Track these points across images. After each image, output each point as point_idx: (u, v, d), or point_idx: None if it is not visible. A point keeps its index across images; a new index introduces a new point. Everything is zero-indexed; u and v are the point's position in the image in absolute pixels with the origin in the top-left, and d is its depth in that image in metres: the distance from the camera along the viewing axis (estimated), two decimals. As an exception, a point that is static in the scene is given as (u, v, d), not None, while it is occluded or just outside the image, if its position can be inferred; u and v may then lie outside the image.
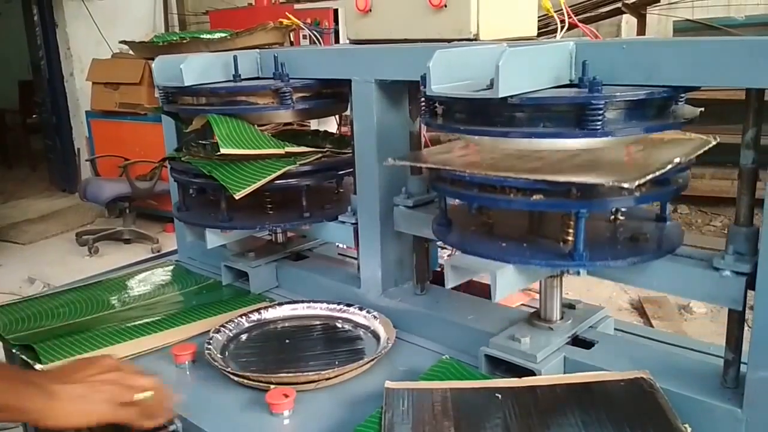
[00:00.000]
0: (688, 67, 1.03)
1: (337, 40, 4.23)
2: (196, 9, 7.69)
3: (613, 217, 1.31)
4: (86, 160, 6.47)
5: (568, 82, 1.15)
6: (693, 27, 5.69)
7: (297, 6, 5.05)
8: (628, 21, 6.49)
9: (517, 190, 1.10)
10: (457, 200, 1.37)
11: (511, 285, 1.18)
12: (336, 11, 4.48)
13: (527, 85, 1.07)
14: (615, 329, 1.44)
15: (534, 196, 1.10)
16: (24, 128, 9.35)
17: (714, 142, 1.20)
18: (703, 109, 1.19)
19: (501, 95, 1.02)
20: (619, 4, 5.96)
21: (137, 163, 5.44)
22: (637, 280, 1.20)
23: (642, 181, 0.99)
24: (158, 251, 5.40)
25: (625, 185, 0.99)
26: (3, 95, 9.76)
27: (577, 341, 1.32)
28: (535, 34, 1.62)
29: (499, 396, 1.15)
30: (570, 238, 1.19)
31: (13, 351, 1.58)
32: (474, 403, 1.14)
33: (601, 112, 1.02)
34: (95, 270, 2.20)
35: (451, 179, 1.20)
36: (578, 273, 1.17)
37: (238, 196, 1.54)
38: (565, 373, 1.25)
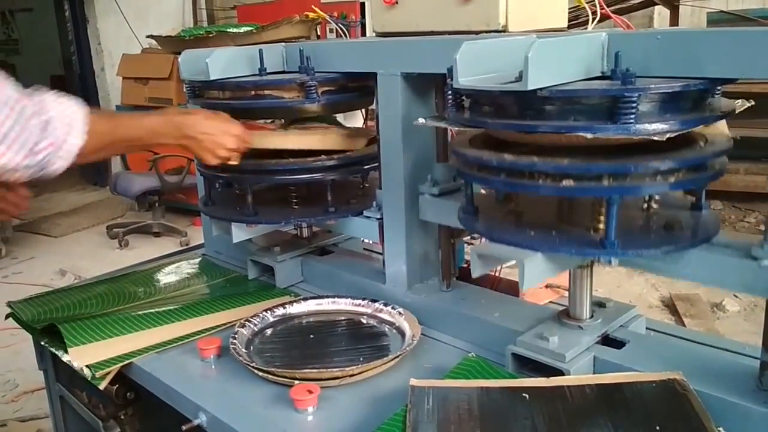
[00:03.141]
0: (727, 58, 0.99)
1: (363, 34, 4.22)
2: (224, 4, 7.72)
3: (646, 205, 1.27)
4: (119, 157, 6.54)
5: (600, 74, 1.12)
6: (727, 18, 5.54)
7: (323, 0, 5.04)
8: (661, 12, 6.36)
9: (546, 175, 1.06)
10: (483, 189, 1.34)
11: (539, 274, 1.15)
12: (362, 4, 4.46)
13: (557, 78, 1.04)
14: (647, 328, 1.41)
15: (563, 182, 1.06)
16: (56, 123, 9.48)
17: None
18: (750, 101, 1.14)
19: (530, 88, 0.99)
20: (652, -5, 5.83)
21: (166, 157, 5.49)
22: (671, 269, 1.16)
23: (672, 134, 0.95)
24: (186, 244, 5.45)
25: (656, 137, 0.95)
26: (36, 90, 9.91)
27: (608, 340, 1.28)
28: (566, 25, 1.58)
29: (527, 396, 1.12)
30: (601, 226, 1.16)
31: (42, 343, 1.60)
32: (501, 402, 1.12)
33: (634, 105, 0.99)
34: (125, 262, 2.22)
35: (478, 165, 1.17)
36: (609, 262, 1.13)
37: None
38: (594, 373, 1.22)
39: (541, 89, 1.00)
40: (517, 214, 1.28)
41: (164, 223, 5.78)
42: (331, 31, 3.67)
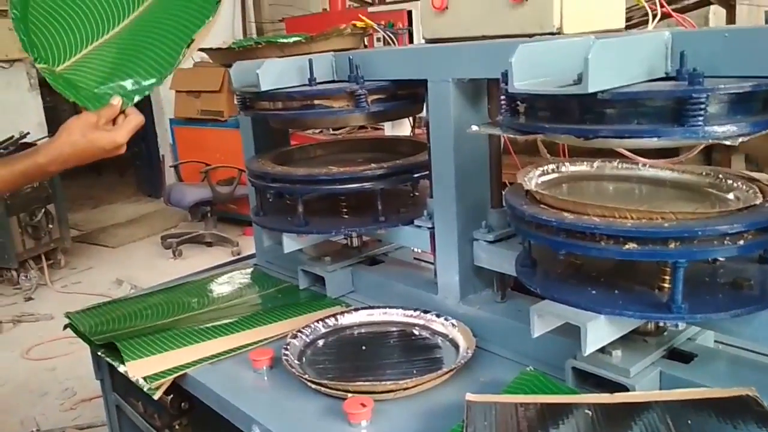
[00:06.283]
0: (802, 54, 0.93)
1: (411, 42, 4.20)
2: (273, 16, 7.84)
3: (712, 258, 1.21)
4: (170, 166, 6.70)
5: (664, 75, 1.07)
6: (789, 16, 5.33)
7: (370, 9, 5.05)
8: (716, 12, 6.15)
9: (608, 237, 1.03)
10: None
11: (602, 337, 1.12)
12: (410, 12, 4.45)
13: (619, 79, 0.99)
14: (715, 341, 1.33)
15: (627, 245, 1.02)
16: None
17: None
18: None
19: (591, 90, 0.95)
20: (708, -5, 5.66)
21: (218, 168, 5.59)
22: (742, 332, 1.12)
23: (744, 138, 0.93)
24: (238, 254, 5.53)
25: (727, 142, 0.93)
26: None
27: (675, 354, 1.22)
28: (623, 26, 1.52)
29: (590, 413, 1.07)
30: (666, 285, 1.12)
31: (99, 354, 1.62)
32: (562, 419, 1.07)
33: (703, 106, 0.93)
34: (179, 272, 2.25)
35: (536, 224, 1.13)
36: (676, 326, 1.09)
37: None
38: (661, 389, 1.16)
39: (602, 92, 0.96)
40: (577, 267, 1.23)
41: (216, 233, 5.88)
42: (378, 40, 3.67)
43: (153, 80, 1.43)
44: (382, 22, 2.94)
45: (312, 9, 7.13)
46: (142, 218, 7.12)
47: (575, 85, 0.99)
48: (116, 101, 1.37)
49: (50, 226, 5.31)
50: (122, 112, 1.38)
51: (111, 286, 5.08)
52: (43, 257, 5.32)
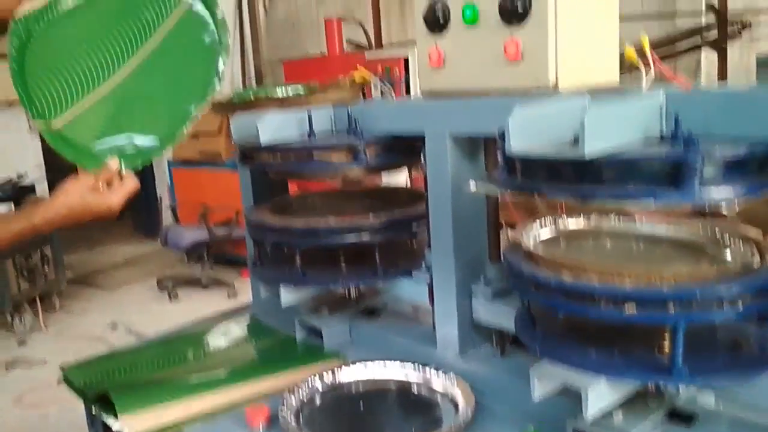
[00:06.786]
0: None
1: (408, 89, 4.26)
2: (271, 57, 7.94)
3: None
4: (168, 207, 6.71)
5: (659, 135, 1.08)
6: (778, 61, 5.41)
7: (368, 55, 5.12)
8: (708, 56, 6.26)
9: (607, 299, 1.04)
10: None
11: (603, 400, 1.12)
12: (406, 60, 4.52)
13: (614, 142, 1.01)
14: (716, 397, 1.32)
15: (626, 308, 1.02)
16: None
17: None
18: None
19: (587, 154, 0.96)
20: (698, 40, 5.77)
21: (215, 211, 5.60)
22: (743, 395, 1.12)
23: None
24: (234, 296, 5.51)
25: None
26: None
27: (675, 414, 1.20)
28: (617, 80, 1.54)
29: (592, 477, 1.06)
30: (666, 346, 1.12)
31: (93, 410, 1.60)
32: (564, 484, 1.05)
33: (698, 170, 0.94)
34: (174, 315, 2.24)
35: (535, 284, 1.14)
36: (677, 389, 1.09)
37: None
38: (664, 451, 1.14)
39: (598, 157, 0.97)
40: (577, 325, 1.23)
41: (213, 276, 5.85)
42: (375, 86, 3.72)
43: (153, 144, 1.44)
44: (380, 68, 2.99)
45: (309, 50, 7.24)
46: (138, 259, 7.09)
47: (572, 148, 1.00)
48: (113, 163, 1.37)
49: (46, 268, 5.28)
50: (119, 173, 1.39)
51: (106, 330, 5.03)
52: (38, 300, 5.28)
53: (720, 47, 5.74)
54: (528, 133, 1.08)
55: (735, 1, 5.62)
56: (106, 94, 1.45)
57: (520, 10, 1.33)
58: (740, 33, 5.73)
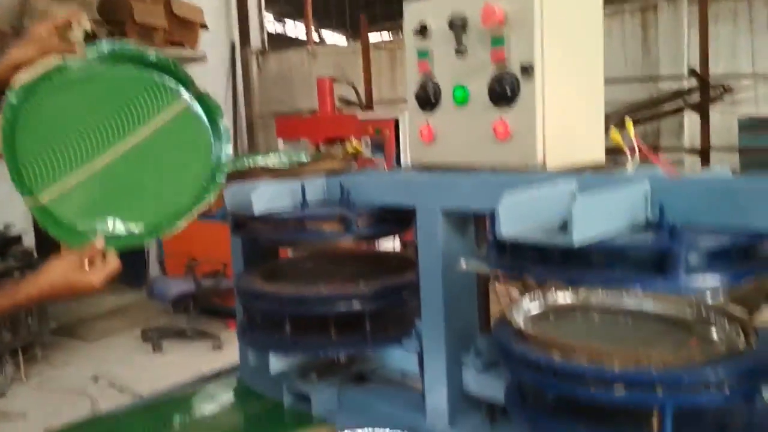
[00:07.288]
0: (773, 213, 0.98)
1: (398, 150, 4.33)
2: (263, 112, 8.06)
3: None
4: (156, 259, 6.68)
5: (645, 221, 1.12)
6: (758, 124, 5.57)
7: (360, 115, 5.22)
8: (691, 117, 6.43)
9: (596, 380, 1.05)
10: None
11: None
12: (397, 121, 4.61)
13: (602, 229, 1.04)
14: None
15: (616, 390, 1.04)
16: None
17: None
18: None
19: (576, 242, 0.99)
20: (681, 102, 5.93)
21: (202, 262, 5.57)
22: None
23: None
24: (219, 347, 5.44)
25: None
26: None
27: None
28: (603, 158, 1.59)
29: None
30: (655, 425, 1.12)
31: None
32: None
33: (682, 259, 0.97)
34: (158, 368, 2.21)
35: (525, 363, 1.15)
36: None
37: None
38: None
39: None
40: (567, 401, 1.23)
41: (198, 328, 5.79)
42: (366, 145, 3.79)
43: (139, 231, 1.44)
44: (370, 129, 3.05)
45: (300, 105, 7.35)
46: (123, 310, 6.99)
47: (561, 235, 1.03)
48: (99, 242, 1.39)
49: (29, 318, 5.21)
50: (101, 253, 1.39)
51: (88, 383, 4.94)
52: (20, 351, 5.19)
53: (703, 110, 5.89)
54: (517, 218, 1.11)
55: (716, 65, 5.79)
56: (94, 174, 1.45)
57: (509, 93, 1.38)
58: (722, 96, 5.89)
